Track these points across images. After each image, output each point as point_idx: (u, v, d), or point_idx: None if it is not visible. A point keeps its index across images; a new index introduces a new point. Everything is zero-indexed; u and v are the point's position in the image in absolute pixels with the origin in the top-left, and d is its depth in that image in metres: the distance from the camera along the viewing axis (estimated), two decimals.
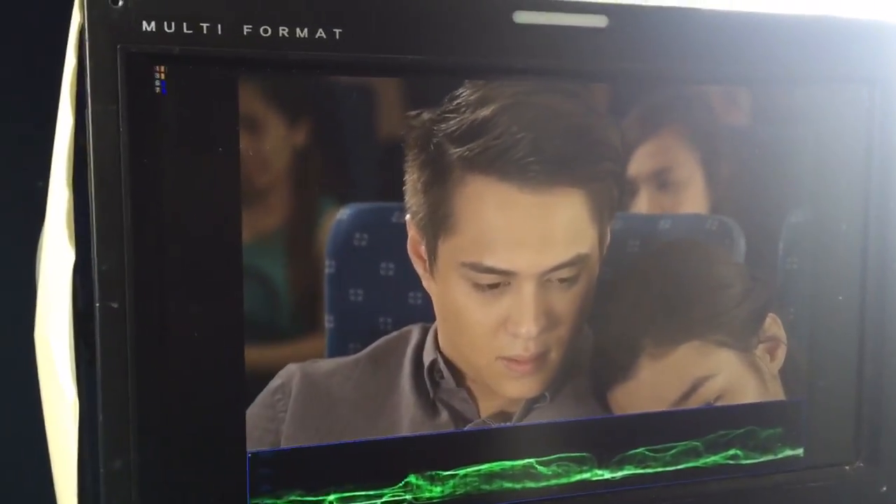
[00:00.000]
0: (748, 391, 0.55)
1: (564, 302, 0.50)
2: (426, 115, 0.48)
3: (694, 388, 0.53)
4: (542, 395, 0.51)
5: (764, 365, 0.55)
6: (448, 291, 0.49)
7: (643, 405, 0.53)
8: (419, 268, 0.49)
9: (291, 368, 0.48)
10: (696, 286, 0.54)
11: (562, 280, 0.50)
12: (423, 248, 0.49)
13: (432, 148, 0.48)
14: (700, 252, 0.55)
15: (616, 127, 0.51)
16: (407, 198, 0.49)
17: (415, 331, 0.50)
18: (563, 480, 0.52)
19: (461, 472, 0.50)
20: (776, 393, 0.56)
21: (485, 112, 0.48)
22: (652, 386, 0.53)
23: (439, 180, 0.48)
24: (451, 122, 0.48)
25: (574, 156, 0.49)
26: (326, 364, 0.48)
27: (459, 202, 0.48)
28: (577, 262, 0.50)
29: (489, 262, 0.49)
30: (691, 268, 0.54)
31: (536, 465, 0.51)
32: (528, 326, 0.49)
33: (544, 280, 0.49)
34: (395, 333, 0.50)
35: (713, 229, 0.55)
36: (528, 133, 0.48)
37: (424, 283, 0.49)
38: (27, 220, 0.53)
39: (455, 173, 0.48)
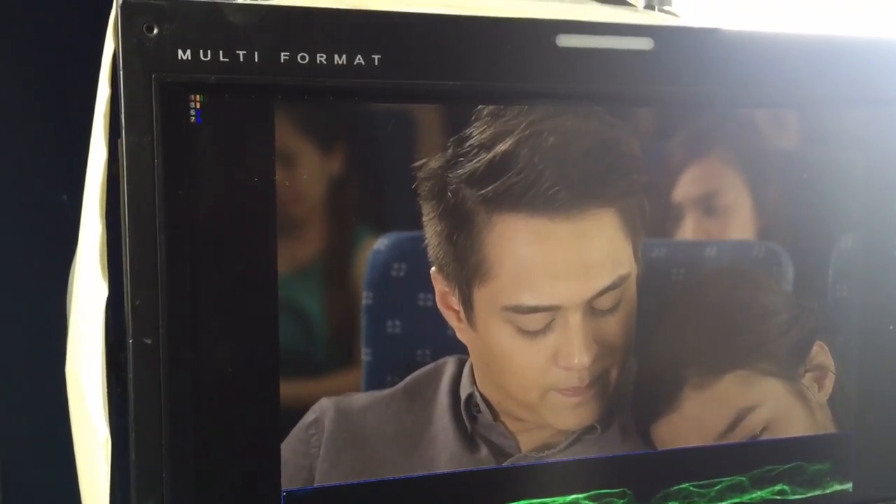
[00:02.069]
0: (795, 421, 0.53)
1: (611, 326, 0.49)
2: (435, 164, 0.46)
3: (739, 419, 0.52)
4: (593, 426, 0.50)
5: (811, 394, 0.53)
6: (490, 338, 0.48)
7: (687, 437, 0.51)
8: (452, 320, 0.48)
9: (325, 403, 0.46)
10: (742, 314, 0.52)
11: (606, 305, 0.48)
12: (453, 300, 0.47)
13: (450, 195, 0.46)
14: (745, 279, 0.53)
15: (635, 136, 0.49)
16: (431, 251, 0.47)
17: (450, 362, 0.48)
18: None
19: None
20: (825, 423, 0.54)
21: (502, 148, 0.46)
22: (696, 417, 0.51)
23: (465, 228, 0.46)
24: (467, 166, 0.46)
25: (600, 175, 0.48)
26: (361, 398, 0.47)
27: (490, 246, 0.47)
28: (620, 283, 0.48)
29: (532, 300, 0.47)
30: (736, 295, 0.52)
31: (579, 502, 0.50)
32: (581, 358, 0.48)
33: (590, 308, 0.48)
34: (430, 366, 0.48)
35: (760, 256, 0.53)
36: (550, 161, 0.46)
37: (460, 335, 0.48)
38: (52, 232, 0.52)
39: (480, 217, 0.46)
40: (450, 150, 0.46)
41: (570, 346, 0.48)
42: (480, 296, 0.47)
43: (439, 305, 0.47)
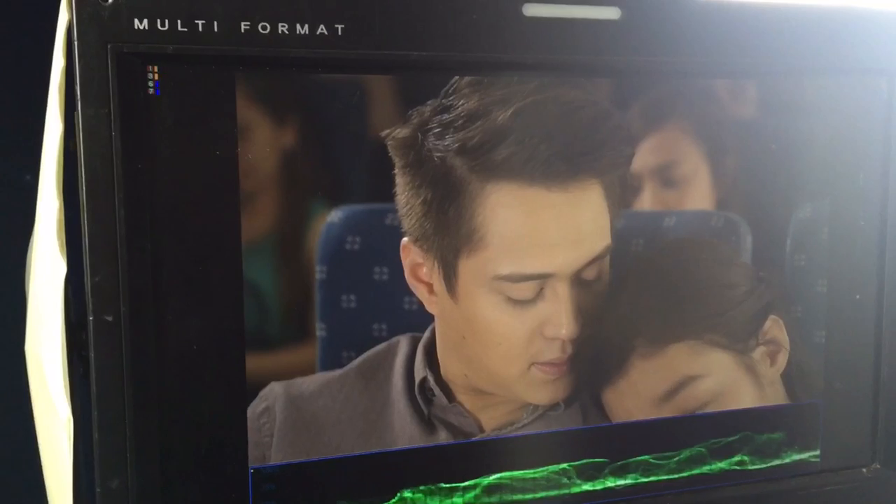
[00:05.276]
0: (741, 395, 0.53)
1: (591, 299, 0.49)
2: (411, 132, 0.45)
3: (682, 386, 0.51)
4: (557, 403, 0.50)
5: (762, 368, 0.53)
6: (475, 308, 0.47)
7: (631, 401, 0.51)
8: (422, 293, 0.47)
9: (276, 389, 0.45)
10: (696, 285, 0.52)
11: (591, 276, 0.48)
12: (426, 272, 0.47)
13: (437, 164, 0.45)
14: (702, 250, 0.53)
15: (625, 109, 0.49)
16: (407, 222, 0.46)
17: (403, 342, 0.48)
18: (564, 491, 0.50)
19: (461, 485, 0.48)
20: (775, 398, 0.54)
21: (501, 117, 0.45)
22: (641, 383, 0.51)
23: (454, 197, 0.46)
24: (457, 135, 0.45)
25: (596, 146, 0.48)
26: (311, 383, 0.46)
27: (484, 215, 0.46)
28: (605, 254, 0.49)
29: (527, 269, 0.47)
30: (692, 266, 0.52)
31: (538, 475, 0.50)
32: (569, 328, 0.48)
33: (577, 278, 0.48)
34: (382, 345, 0.48)
35: (719, 226, 0.53)
36: (549, 131, 0.46)
37: (430, 308, 0.47)
38: (15, 213, 0.51)
39: (472, 186, 0.46)
40: (430, 119, 0.45)
41: (559, 317, 0.48)
42: (468, 265, 0.47)
43: (408, 278, 0.47)
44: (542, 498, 0.50)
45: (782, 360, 0.54)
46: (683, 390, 0.51)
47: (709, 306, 0.52)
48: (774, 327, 0.53)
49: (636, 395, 0.51)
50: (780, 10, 0.51)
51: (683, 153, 0.51)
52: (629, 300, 0.51)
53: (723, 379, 0.52)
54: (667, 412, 0.51)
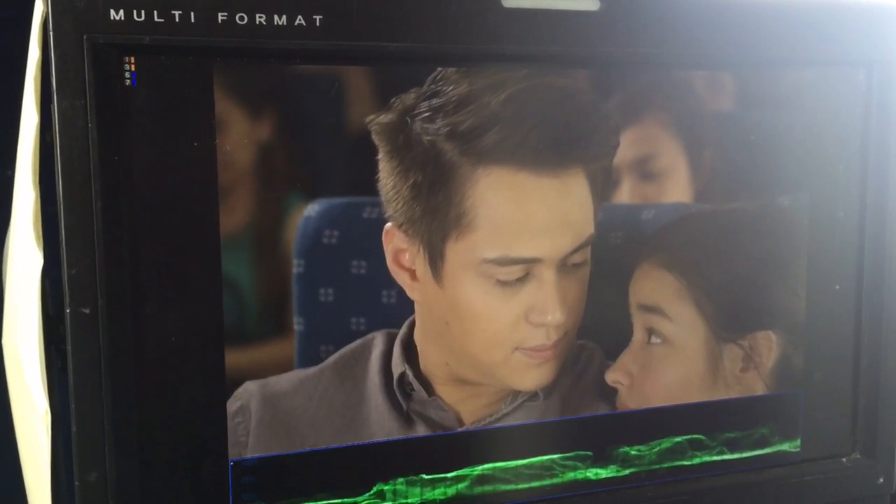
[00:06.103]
0: (687, 365, 0.52)
1: (576, 286, 0.49)
2: (398, 117, 0.45)
3: (651, 310, 0.51)
4: (535, 393, 0.50)
5: (726, 366, 0.53)
6: (460, 293, 0.47)
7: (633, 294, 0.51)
8: (403, 279, 0.47)
9: (251, 388, 0.45)
10: (733, 248, 0.53)
11: (574, 264, 0.49)
12: (408, 258, 0.47)
13: (426, 146, 0.45)
14: (775, 236, 0.54)
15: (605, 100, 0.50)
16: (392, 206, 0.46)
17: (379, 338, 0.48)
18: (546, 482, 0.50)
19: (441, 476, 0.48)
20: (717, 390, 0.53)
21: (492, 103, 0.46)
22: (635, 283, 0.51)
23: (444, 180, 0.46)
24: (448, 118, 0.45)
25: (585, 134, 0.48)
26: (287, 381, 0.46)
27: (474, 199, 0.46)
28: (590, 241, 0.49)
29: (515, 252, 0.47)
30: (753, 231, 0.53)
31: (519, 466, 0.50)
32: (554, 314, 0.48)
33: (563, 265, 0.48)
34: (357, 342, 0.47)
35: None
36: (540, 118, 0.46)
37: (412, 294, 0.47)
38: None
39: (463, 170, 0.46)
40: (417, 104, 0.45)
41: (545, 302, 0.48)
42: (456, 249, 0.47)
43: (390, 265, 0.47)
44: (524, 489, 0.50)
45: (752, 376, 0.54)
46: (649, 314, 0.51)
47: (725, 270, 0.52)
48: (763, 342, 0.54)
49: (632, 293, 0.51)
50: (759, 2, 0.51)
51: (662, 145, 0.51)
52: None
53: (682, 335, 0.52)
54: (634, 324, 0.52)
